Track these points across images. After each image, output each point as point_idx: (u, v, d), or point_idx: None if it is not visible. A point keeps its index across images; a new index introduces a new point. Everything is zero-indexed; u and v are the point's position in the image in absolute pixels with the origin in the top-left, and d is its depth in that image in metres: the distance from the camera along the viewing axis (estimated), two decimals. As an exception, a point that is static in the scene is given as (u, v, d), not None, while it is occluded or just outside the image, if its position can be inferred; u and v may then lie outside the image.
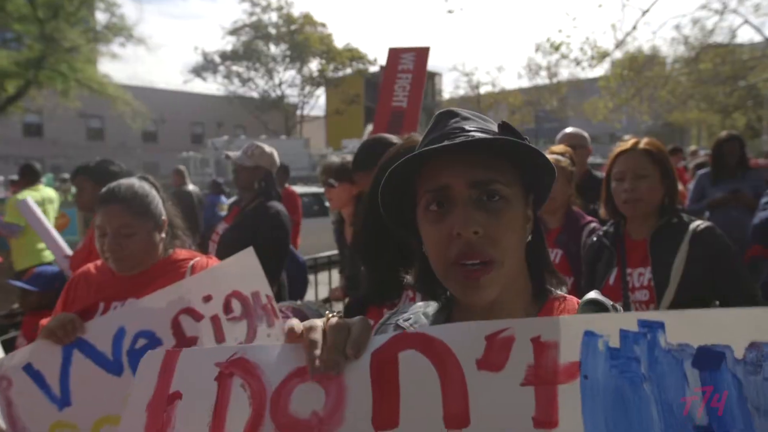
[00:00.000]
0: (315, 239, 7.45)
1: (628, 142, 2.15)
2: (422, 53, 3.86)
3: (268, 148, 3.32)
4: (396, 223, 0.97)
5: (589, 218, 2.67)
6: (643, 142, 2.10)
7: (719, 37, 16.10)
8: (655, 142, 2.13)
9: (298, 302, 2.62)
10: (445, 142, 0.83)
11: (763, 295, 3.02)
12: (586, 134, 3.71)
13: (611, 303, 0.88)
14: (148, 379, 0.84)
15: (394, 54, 3.86)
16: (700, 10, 16.15)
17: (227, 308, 1.70)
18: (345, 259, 3.27)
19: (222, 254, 2.27)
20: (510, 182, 0.85)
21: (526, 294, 0.90)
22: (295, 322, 0.79)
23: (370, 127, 3.83)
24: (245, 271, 1.78)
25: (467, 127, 0.86)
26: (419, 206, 0.89)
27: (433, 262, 0.87)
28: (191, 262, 1.91)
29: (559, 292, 0.94)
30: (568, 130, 3.69)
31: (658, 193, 2.06)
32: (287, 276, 3.39)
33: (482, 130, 0.86)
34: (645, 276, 2.03)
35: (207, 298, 1.68)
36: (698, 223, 2.02)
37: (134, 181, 1.89)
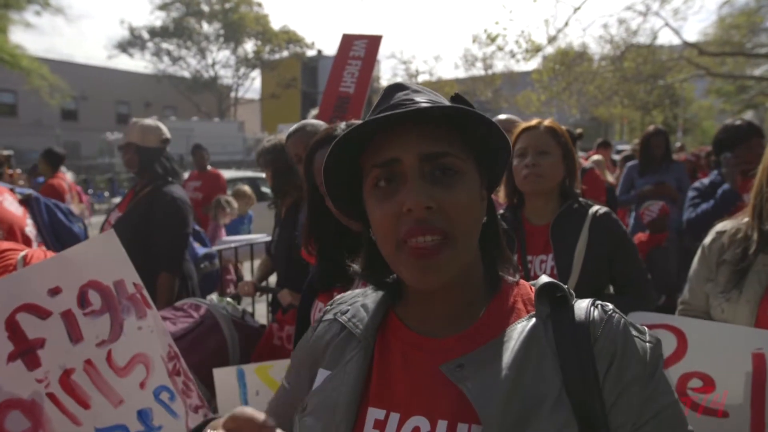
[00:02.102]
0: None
1: (532, 121, 2.14)
2: (374, 41, 3.83)
3: (140, 121, 3.09)
4: (341, 206, 0.90)
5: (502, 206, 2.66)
6: (547, 122, 2.09)
7: (642, 38, 17.01)
8: (558, 125, 2.12)
9: (213, 297, 2.45)
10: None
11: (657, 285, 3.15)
12: (516, 119, 3.35)
13: (566, 287, 0.85)
14: None
15: (347, 40, 3.83)
16: (626, 11, 17.07)
17: (83, 301, 1.40)
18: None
19: None
20: (464, 156, 0.79)
21: (478, 279, 0.86)
22: None
23: (314, 111, 3.72)
24: (104, 257, 1.49)
25: (417, 99, 0.80)
26: (366, 184, 0.81)
27: (380, 244, 0.81)
28: (22, 253, 1.61)
29: (511, 278, 0.89)
30: (501, 116, 3.52)
31: (560, 172, 2.04)
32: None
33: (433, 102, 0.80)
34: (547, 263, 1.99)
35: (54, 291, 1.36)
36: (597, 208, 2.01)
37: None
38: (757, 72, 19.24)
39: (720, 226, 1.82)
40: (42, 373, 1.25)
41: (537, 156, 2.01)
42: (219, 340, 2.25)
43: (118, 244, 1.53)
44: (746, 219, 1.73)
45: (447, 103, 0.83)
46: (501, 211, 2.22)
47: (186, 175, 7.45)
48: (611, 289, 2.08)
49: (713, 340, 1.54)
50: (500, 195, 2.22)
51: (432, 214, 0.75)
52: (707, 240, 1.83)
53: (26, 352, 1.25)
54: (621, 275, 1.99)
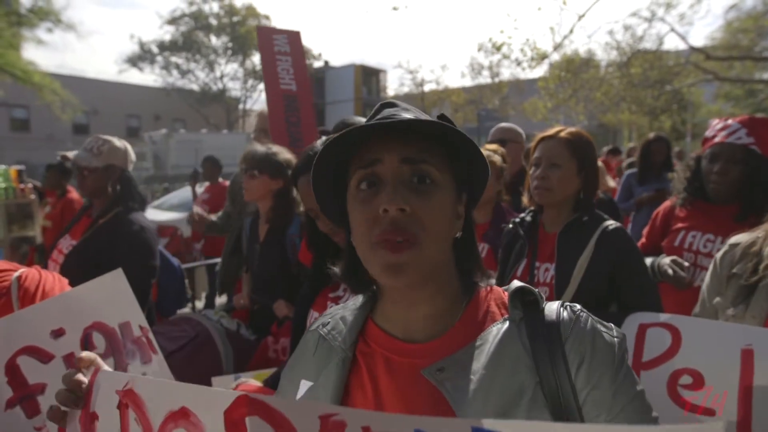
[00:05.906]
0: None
1: (554, 128, 2.07)
2: (294, 36, 3.70)
3: (118, 142, 2.71)
4: (327, 212, 0.95)
5: (516, 215, 2.70)
6: (567, 131, 2.00)
7: (648, 44, 16.96)
8: (581, 133, 2.02)
9: (203, 311, 2.44)
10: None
11: None
12: (519, 129, 3.54)
13: (537, 291, 0.89)
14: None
15: (266, 34, 3.65)
16: (631, 17, 17.12)
17: (87, 344, 1.34)
18: (254, 256, 2.92)
19: (67, 277, 1.72)
20: (442, 169, 0.84)
21: (453, 287, 0.90)
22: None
23: (264, 111, 3.67)
24: (111, 297, 1.43)
25: (404, 115, 0.86)
26: (350, 188, 0.87)
27: (357, 245, 0.85)
28: (16, 273, 1.52)
29: (484, 284, 0.93)
30: (502, 125, 3.58)
31: (572, 185, 1.97)
32: (158, 287, 2.94)
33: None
34: (549, 272, 1.95)
35: (57, 333, 1.31)
36: (609, 223, 1.92)
37: None
38: (766, 76, 19.09)
39: (734, 239, 1.75)
40: (41, 420, 1.20)
41: (548, 168, 1.96)
42: (213, 354, 2.24)
43: (126, 284, 1.47)
44: (761, 233, 1.65)
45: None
46: (522, 215, 2.21)
47: (199, 189, 7.51)
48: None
49: (705, 337, 1.53)
50: (524, 199, 2.19)
51: (405, 217, 0.79)
52: (719, 253, 1.77)
53: (26, 397, 1.20)
54: (625, 293, 1.88)
